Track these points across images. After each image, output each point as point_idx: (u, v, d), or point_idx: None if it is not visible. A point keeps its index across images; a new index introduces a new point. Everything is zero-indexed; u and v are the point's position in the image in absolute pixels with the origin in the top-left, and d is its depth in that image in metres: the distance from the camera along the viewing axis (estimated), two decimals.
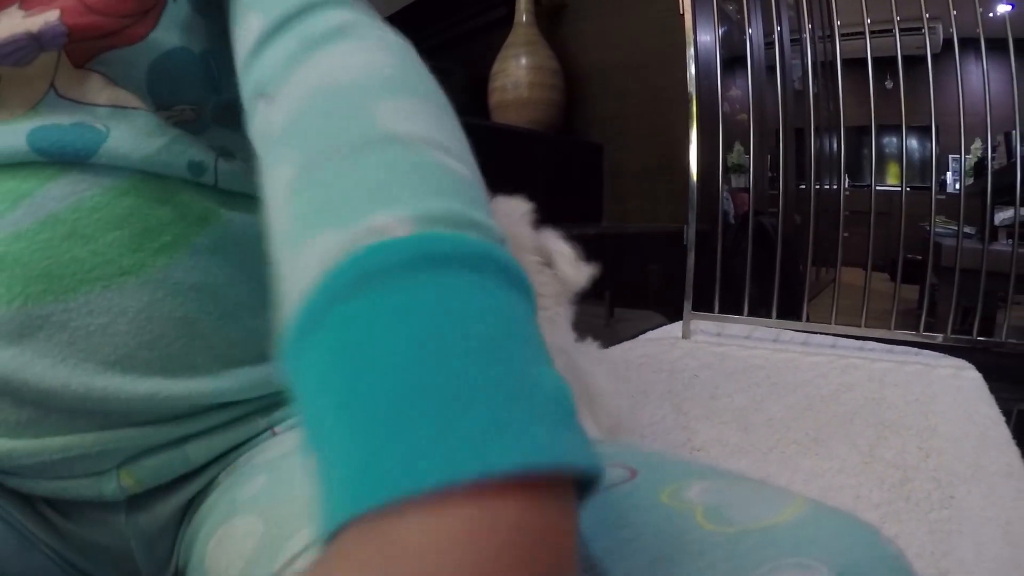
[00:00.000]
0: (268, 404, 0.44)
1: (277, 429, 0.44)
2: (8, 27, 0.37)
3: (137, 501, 0.39)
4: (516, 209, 0.58)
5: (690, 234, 1.66)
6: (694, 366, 1.42)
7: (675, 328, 1.75)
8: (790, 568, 0.24)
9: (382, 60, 0.32)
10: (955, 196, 1.68)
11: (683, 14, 1.62)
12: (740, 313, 1.68)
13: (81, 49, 0.38)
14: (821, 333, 1.65)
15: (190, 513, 0.42)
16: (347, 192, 0.24)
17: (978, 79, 1.51)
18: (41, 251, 0.35)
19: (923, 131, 1.57)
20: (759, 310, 1.68)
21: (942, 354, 1.56)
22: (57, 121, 0.37)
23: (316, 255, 0.21)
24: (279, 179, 0.27)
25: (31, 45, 0.37)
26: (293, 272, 0.23)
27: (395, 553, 0.15)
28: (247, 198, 0.43)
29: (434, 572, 0.15)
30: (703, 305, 1.72)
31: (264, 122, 0.31)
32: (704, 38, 1.89)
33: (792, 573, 0.24)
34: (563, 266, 0.57)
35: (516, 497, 0.16)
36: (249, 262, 0.42)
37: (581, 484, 0.19)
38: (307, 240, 0.22)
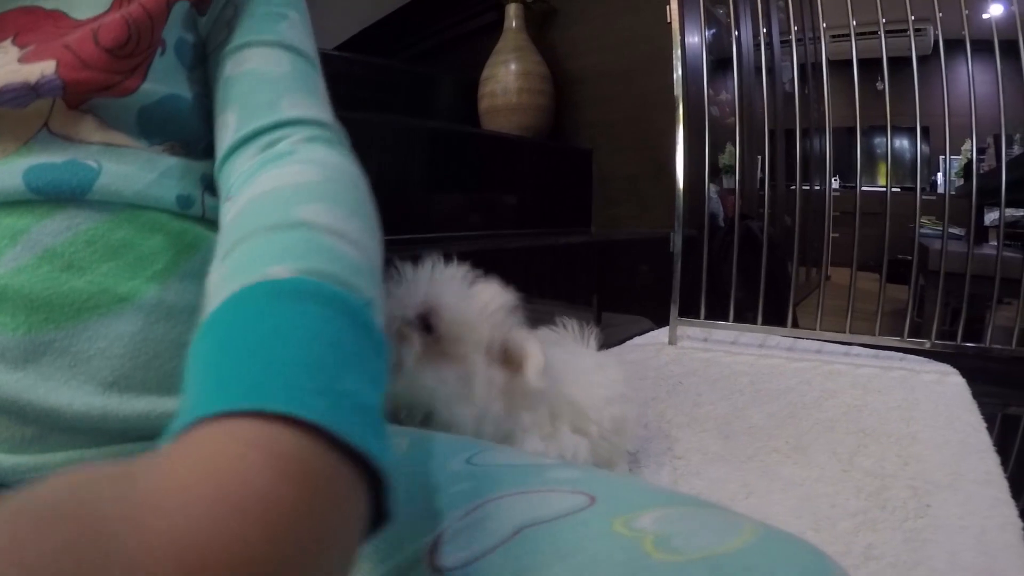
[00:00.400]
0: None
1: None
2: (5, 73, 0.40)
3: None
4: (494, 303, 0.60)
5: (676, 241, 1.67)
6: (679, 372, 1.42)
7: (662, 334, 1.75)
8: None
9: (314, 178, 0.39)
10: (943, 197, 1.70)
11: (671, 22, 1.62)
12: (728, 318, 1.69)
13: (76, 96, 0.42)
14: (806, 339, 1.66)
15: None
16: (258, 256, 0.30)
17: (965, 81, 1.51)
18: (41, 283, 0.38)
19: (914, 132, 1.59)
20: (748, 315, 1.68)
21: (927, 359, 1.57)
22: (51, 159, 0.40)
23: (227, 292, 0.27)
24: (217, 254, 0.33)
25: (28, 94, 0.40)
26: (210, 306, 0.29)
27: (209, 444, 0.19)
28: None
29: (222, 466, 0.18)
30: (692, 310, 1.72)
31: (224, 217, 0.39)
32: (693, 41, 1.91)
33: None
34: (530, 373, 0.58)
35: (292, 436, 0.19)
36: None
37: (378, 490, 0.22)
38: (226, 288, 0.28)
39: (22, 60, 0.41)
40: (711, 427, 1.10)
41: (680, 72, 1.64)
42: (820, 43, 1.67)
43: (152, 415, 0.39)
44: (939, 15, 1.52)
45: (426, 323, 0.57)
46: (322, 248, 0.31)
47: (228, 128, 0.45)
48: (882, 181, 3.79)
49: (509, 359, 0.60)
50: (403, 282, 0.60)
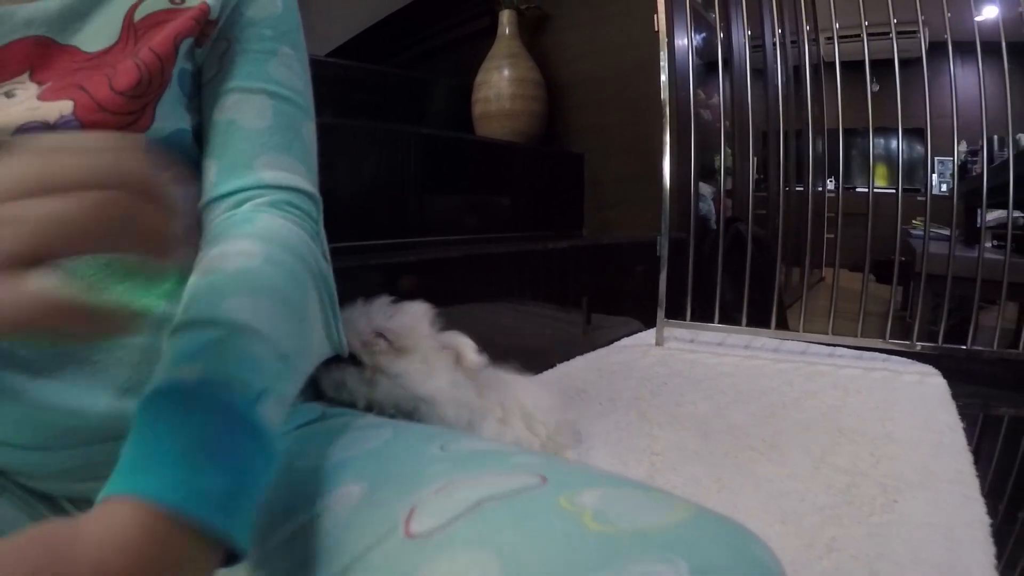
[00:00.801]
0: None
1: None
2: (26, 111, 0.45)
3: None
4: (420, 312, 0.76)
5: (663, 244, 1.70)
6: (664, 373, 1.45)
7: (649, 335, 1.78)
8: (653, 562, 0.29)
9: (253, 264, 0.44)
10: (938, 198, 1.71)
11: (658, 31, 1.65)
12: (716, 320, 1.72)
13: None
14: (791, 340, 1.68)
15: None
16: (180, 354, 0.37)
17: (962, 82, 1.54)
18: None
19: (910, 134, 1.59)
20: (739, 316, 1.71)
21: (910, 360, 1.60)
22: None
23: (154, 384, 0.35)
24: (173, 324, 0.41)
25: (46, 131, 0.45)
26: None
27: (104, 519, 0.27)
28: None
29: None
30: (681, 312, 1.75)
31: (196, 263, 0.47)
32: (682, 46, 1.93)
33: (653, 566, 0.29)
34: (467, 355, 0.76)
35: (150, 514, 0.27)
36: None
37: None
38: (157, 376, 0.36)
39: (41, 98, 0.46)
40: (691, 426, 1.13)
41: (666, 77, 1.67)
42: (805, 45, 1.69)
43: None
44: (922, 18, 1.52)
45: (381, 335, 0.70)
46: (230, 351, 0.37)
47: (208, 178, 0.51)
48: (879, 182, 3.83)
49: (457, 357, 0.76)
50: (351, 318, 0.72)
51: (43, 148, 0.24)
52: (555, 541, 0.32)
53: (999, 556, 0.81)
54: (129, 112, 0.47)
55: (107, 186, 0.24)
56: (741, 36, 2.44)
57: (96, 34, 0.50)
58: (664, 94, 1.69)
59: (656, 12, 1.68)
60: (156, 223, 0.26)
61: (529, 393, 0.88)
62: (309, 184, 0.55)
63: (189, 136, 0.52)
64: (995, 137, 2.54)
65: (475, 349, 0.75)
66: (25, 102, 0.45)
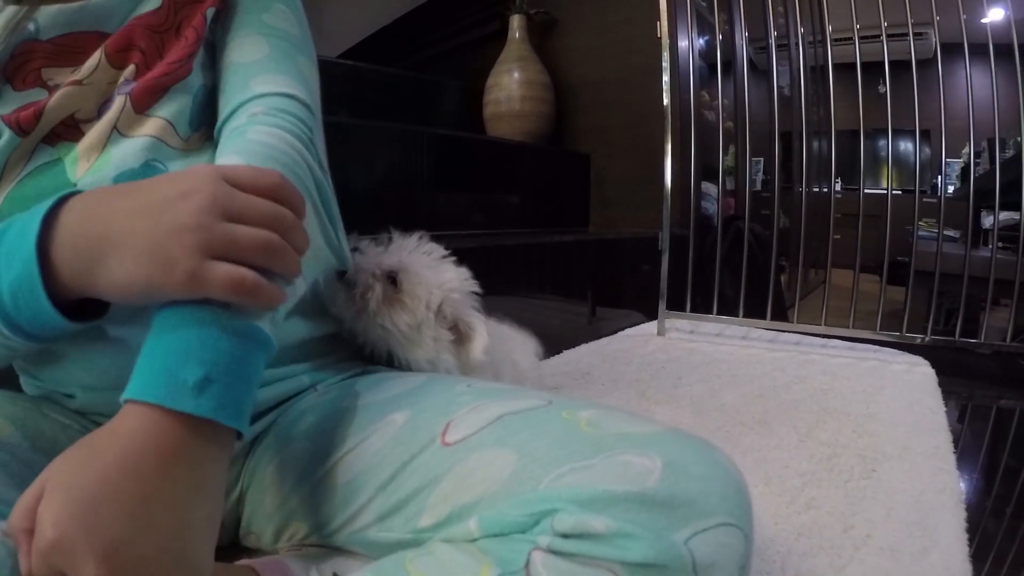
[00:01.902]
0: (310, 368, 0.62)
1: (319, 387, 0.62)
2: (107, 88, 0.55)
3: None
4: (454, 278, 0.73)
5: (664, 238, 1.78)
6: (663, 359, 1.53)
7: (651, 326, 1.86)
8: (634, 455, 0.38)
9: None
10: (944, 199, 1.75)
11: (660, 37, 1.73)
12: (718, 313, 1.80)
13: (143, 99, 0.56)
14: (785, 331, 1.76)
15: (254, 447, 0.60)
16: None
17: (964, 84, 1.57)
18: None
19: (913, 135, 1.62)
20: (739, 310, 1.77)
21: (900, 352, 1.66)
22: (130, 166, 0.53)
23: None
24: None
25: (111, 100, 0.55)
26: None
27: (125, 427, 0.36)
28: None
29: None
30: (682, 305, 1.83)
31: None
32: (685, 49, 2.01)
33: (630, 456, 0.38)
34: (474, 349, 0.72)
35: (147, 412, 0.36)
36: None
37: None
38: None
39: (107, 59, 0.56)
40: (686, 404, 1.21)
41: (668, 79, 1.75)
42: (801, 48, 1.76)
43: None
44: (937, 18, 1.56)
45: (392, 278, 0.70)
46: None
47: (220, 113, 0.58)
48: (885, 183, 3.85)
49: (459, 333, 0.73)
50: (385, 245, 0.73)
51: (236, 181, 0.40)
52: (558, 439, 0.42)
53: (968, 520, 0.87)
54: (176, 71, 0.57)
55: (280, 223, 0.40)
56: (741, 38, 2.51)
57: (143, 8, 0.59)
58: (666, 97, 1.77)
59: (659, 19, 1.76)
60: (300, 245, 0.42)
61: (522, 350, 0.92)
62: (302, 92, 0.59)
63: (209, 93, 0.60)
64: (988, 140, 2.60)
65: (484, 348, 0.71)
66: (96, 63, 0.56)
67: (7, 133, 0.54)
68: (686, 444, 0.41)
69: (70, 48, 0.57)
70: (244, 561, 0.51)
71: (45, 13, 0.57)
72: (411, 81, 2.53)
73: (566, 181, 2.51)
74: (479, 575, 0.37)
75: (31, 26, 0.58)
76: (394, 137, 1.73)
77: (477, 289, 0.75)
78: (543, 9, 2.60)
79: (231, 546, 0.61)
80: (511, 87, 2.49)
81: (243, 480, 0.59)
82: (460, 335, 0.73)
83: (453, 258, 0.75)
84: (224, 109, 0.58)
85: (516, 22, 2.54)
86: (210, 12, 0.59)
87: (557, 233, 2.12)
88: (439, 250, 0.75)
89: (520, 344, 0.94)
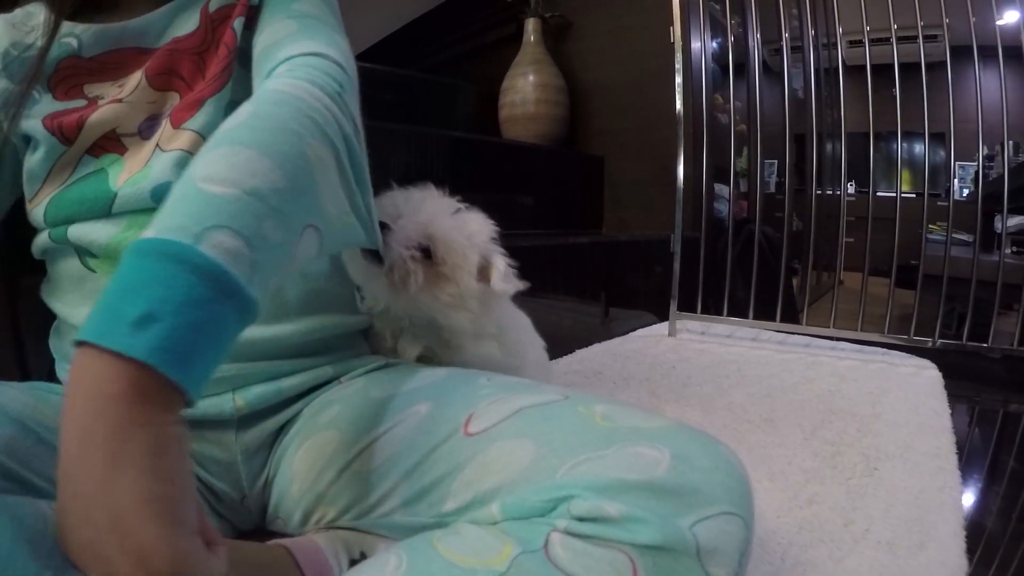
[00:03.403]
0: (334, 360, 0.65)
1: (343, 379, 0.65)
2: (145, 107, 0.57)
3: (245, 423, 0.60)
4: (480, 229, 0.71)
5: (676, 240, 1.81)
6: (674, 359, 1.57)
7: (663, 327, 1.90)
8: (645, 447, 0.42)
9: (239, 119, 0.46)
10: (958, 203, 1.74)
11: (673, 42, 1.76)
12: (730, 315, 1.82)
13: (181, 111, 0.59)
14: (795, 333, 1.78)
15: (280, 436, 0.63)
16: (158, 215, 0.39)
17: (983, 86, 1.56)
18: None
19: (932, 138, 1.60)
20: (749, 312, 1.80)
21: (908, 355, 1.69)
22: (168, 179, 0.56)
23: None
24: None
25: (156, 124, 0.59)
26: None
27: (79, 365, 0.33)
28: None
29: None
30: (694, 307, 1.87)
31: None
32: (698, 53, 2.04)
33: (641, 448, 0.42)
34: (495, 278, 0.70)
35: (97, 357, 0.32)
36: None
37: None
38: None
39: (148, 81, 0.59)
40: (695, 403, 1.25)
41: (680, 80, 1.78)
42: (810, 50, 1.78)
43: (256, 338, 0.58)
44: (946, 21, 1.58)
45: (425, 251, 0.67)
46: (184, 196, 0.39)
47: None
48: (901, 186, 3.84)
49: (482, 272, 0.71)
50: (402, 213, 0.69)
51: None
52: (574, 431, 0.46)
53: (967, 518, 0.90)
54: (211, 85, 0.59)
55: None
56: (754, 41, 2.53)
57: (180, 28, 0.63)
58: (678, 102, 1.80)
59: (672, 24, 1.79)
60: None
61: (529, 339, 0.88)
62: (334, 53, 0.57)
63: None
64: (1010, 143, 2.59)
65: (503, 274, 0.70)
66: (136, 84, 0.59)
67: (51, 140, 0.58)
68: (693, 438, 0.45)
69: (111, 64, 0.62)
70: (276, 541, 0.54)
71: (87, 32, 0.62)
72: (426, 83, 2.57)
73: (580, 183, 2.54)
74: (503, 552, 0.40)
75: (74, 43, 0.62)
76: (410, 139, 1.77)
77: (495, 230, 0.74)
78: (558, 13, 2.63)
79: (256, 531, 0.64)
80: (526, 90, 2.53)
81: (270, 468, 0.62)
82: (483, 272, 0.71)
83: (463, 204, 0.73)
84: (256, 87, 0.58)
85: (531, 26, 2.58)
86: (239, 22, 0.62)
87: (571, 235, 2.15)
88: (450, 200, 0.72)
89: (531, 338, 0.94)
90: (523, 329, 0.86)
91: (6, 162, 0.63)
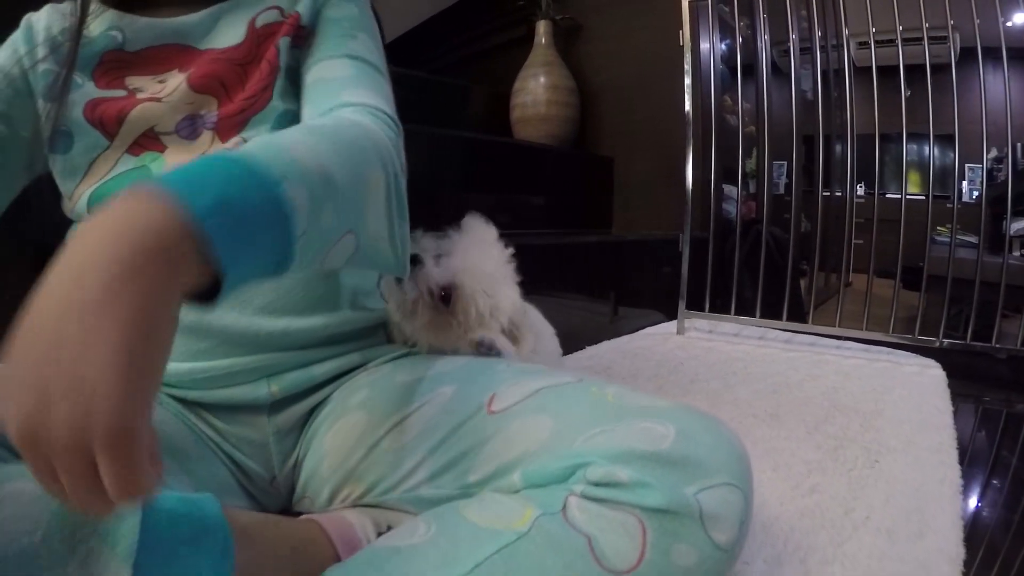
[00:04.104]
0: (363, 347, 0.70)
1: (370, 365, 0.69)
2: (179, 95, 0.60)
3: (277, 406, 0.64)
4: (513, 298, 0.72)
5: (685, 239, 1.84)
6: (681, 357, 1.60)
7: (671, 325, 1.93)
8: (652, 423, 0.46)
9: (320, 123, 0.54)
10: (967, 205, 1.75)
11: (683, 44, 1.80)
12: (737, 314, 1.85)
13: (228, 127, 0.62)
14: (802, 332, 1.81)
15: (311, 418, 0.67)
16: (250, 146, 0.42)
17: (993, 88, 1.58)
18: None
19: (940, 140, 1.61)
20: (763, 311, 1.83)
21: (914, 354, 1.71)
22: None
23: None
24: None
25: (197, 125, 0.63)
26: None
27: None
28: None
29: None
30: (702, 305, 1.90)
31: None
32: (707, 55, 2.07)
33: (649, 424, 0.46)
34: (522, 347, 0.71)
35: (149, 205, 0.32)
36: None
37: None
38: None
39: (190, 84, 0.63)
40: (701, 398, 1.28)
41: (689, 81, 1.80)
42: (818, 51, 1.79)
43: (290, 329, 0.62)
44: (950, 23, 1.55)
45: (444, 296, 0.69)
46: (272, 148, 0.42)
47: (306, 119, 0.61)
48: (909, 188, 3.84)
49: (511, 336, 0.73)
50: (443, 252, 0.72)
51: None
52: (588, 408, 0.51)
53: (965, 510, 0.92)
54: (254, 104, 0.63)
55: None
56: (762, 43, 2.55)
57: (225, 35, 0.66)
58: (687, 103, 1.83)
59: (681, 27, 1.83)
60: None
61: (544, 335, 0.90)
62: (390, 110, 0.62)
63: (296, 116, 0.65)
64: (1019, 145, 2.59)
65: (531, 349, 0.72)
66: (177, 87, 0.62)
67: (93, 133, 0.62)
68: (697, 417, 0.49)
69: (153, 59, 0.65)
70: (307, 516, 0.58)
71: (131, 26, 0.65)
72: (439, 85, 2.61)
73: (590, 183, 2.58)
74: (524, 514, 0.44)
75: (119, 36, 0.66)
76: (422, 139, 1.80)
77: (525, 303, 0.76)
78: (569, 15, 2.67)
79: (284, 512, 0.67)
80: (537, 91, 2.56)
81: (300, 448, 0.66)
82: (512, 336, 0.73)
83: (513, 261, 0.74)
84: (311, 115, 0.61)
85: (542, 28, 2.62)
86: (284, 42, 0.65)
87: (581, 234, 2.18)
88: (501, 255, 0.74)
89: (544, 331, 0.95)
90: (536, 320, 0.89)
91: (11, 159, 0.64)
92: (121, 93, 0.64)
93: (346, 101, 0.59)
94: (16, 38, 0.66)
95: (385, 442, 0.58)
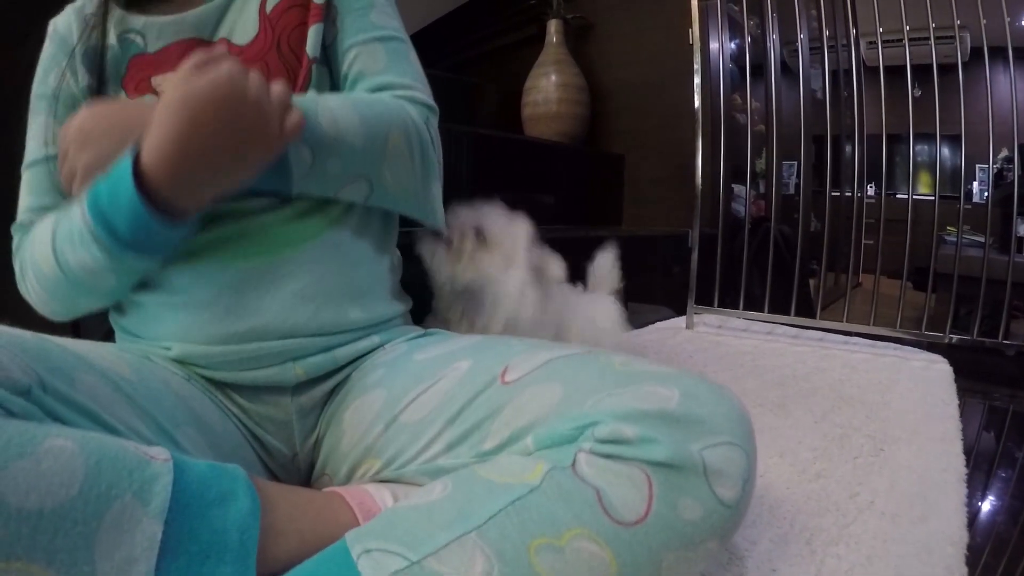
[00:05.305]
0: (381, 328, 0.73)
1: (387, 346, 0.72)
2: None
3: (300, 387, 0.67)
4: (522, 227, 0.93)
5: (694, 236, 1.86)
6: (690, 350, 1.62)
7: (681, 320, 1.95)
8: (657, 386, 0.48)
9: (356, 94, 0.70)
10: (977, 205, 1.74)
11: (692, 43, 1.82)
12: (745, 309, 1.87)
13: None
14: (810, 328, 1.83)
15: (332, 396, 0.70)
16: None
17: (1004, 88, 1.58)
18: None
19: (951, 140, 1.60)
20: (771, 307, 1.84)
21: (921, 350, 1.72)
22: None
23: None
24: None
25: None
26: None
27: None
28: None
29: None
30: (711, 301, 1.92)
31: None
32: (717, 54, 2.09)
33: (655, 387, 0.48)
34: (551, 268, 0.94)
35: None
36: (364, 240, 0.70)
37: None
38: None
39: None
40: None
41: (699, 80, 1.82)
42: (827, 51, 1.80)
43: (319, 317, 0.66)
44: (958, 22, 1.58)
45: (478, 233, 0.89)
46: (319, 107, 0.61)
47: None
48: (921, 188, 3.81)
49: (539, 270, 0.94)
50: (463, 212, 0.90)
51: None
52: (596, 373, 0.53)
53: (969, 496, 0.94)
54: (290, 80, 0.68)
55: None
56: (771, 42, 2.56)
57: (240, 27, 0.69)
58: (697, 101, 1.85)
59: (691, 26, 1.85)
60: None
61: (601, 310, 1.11)
62: (422, 94, 0.74)
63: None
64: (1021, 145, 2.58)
65: (560, 266, 0.93)
66: None
67: None
68: (700, 382, 0.51)
69: (175, 56, 0.67)
70: (328, 488, 0.59)
71: (149, 27, 0.67)
72: (451, 83, 2.64)
73: (600, 180, 2.60)
74: (535, 469, 0.46)
75: (139, 40, 0.68)
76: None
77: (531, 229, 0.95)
78: (579, 14, 2.69)
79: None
80: (548, 89, 2.59)
81: (320, 427, 0.68)
82: (540, 271, 0.93)
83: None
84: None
85: (553, 27, 2.64)
86: (316, 31, 0.68)
87: (591, 230, 2.21)
88: (502, 208, 0.94)
89: (601, 305, 1.15)
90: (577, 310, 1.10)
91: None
92: (151, 99, 0.66)
93: (382, 84, 0.71)
94: (54, 54, 0.69)
95: (403, 416, 0.60)
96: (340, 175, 0.63)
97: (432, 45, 3.20)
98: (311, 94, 0.65)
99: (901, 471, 0.97)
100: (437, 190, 0.75)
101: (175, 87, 0.51)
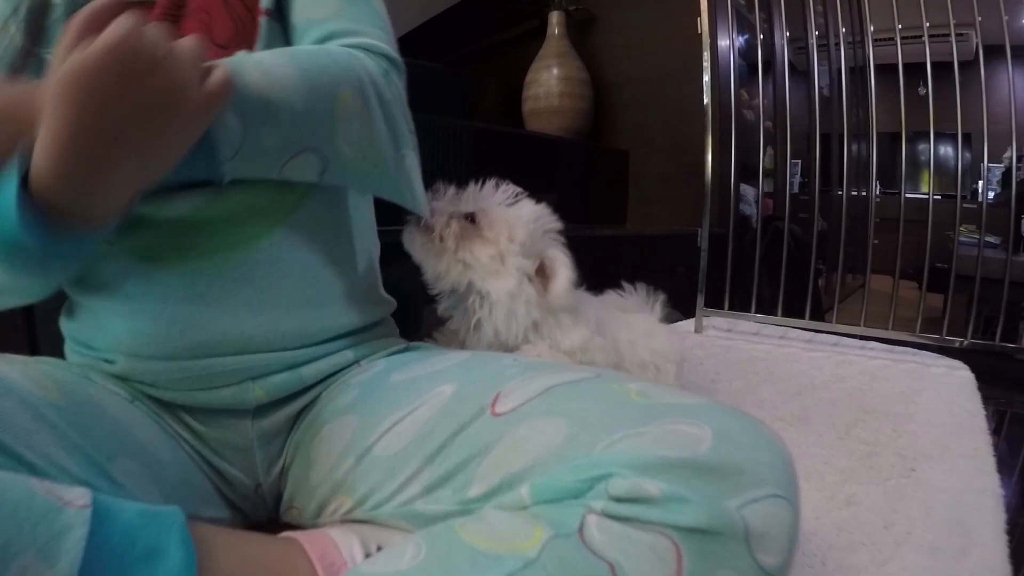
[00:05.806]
0: (355, 341, 0.61)
1: (363, 363, 0.62)
2: None
3: (261, 410, 0.58)
4: (533, 212, 0.75)
5: (703, 236, 1.79)
6: (701, 355, 1.55)
7: (689, 323, 1.88)
8: (684, 424, 0.40)
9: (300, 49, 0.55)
10: (991, 206, 1.69)
11: (700, 32, 1.74)
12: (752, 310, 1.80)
13: None
14: (823, 332, 1.76)
15: (298, 422, 0.60)
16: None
17: (1017, 87, 1.51)
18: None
19: (955, 139, 1.56)
20: (776, 309, 1.78)
21: (940, 355, 1.65)
22: None
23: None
24: None
25: None
26: None
27: None
28: (319, 189, 0.59)
29: None
30: (720, 303, 1.85)
31: None
32: (725, 49, 2.01)
33: (683, 426, 0.40)
34: (556, 287, 0.72)
35: None
36: (327, 236, 0.60)
37: None
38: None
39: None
40: (724, 399, 1.22)
41: (708, 78, 1.75)
42: (841, 48, 1.74)
43: (276, 328, 0.58)
44: (978, 19, 1.53)
45: (469, 218, 0.72)
46: (247, 64, 0.48)
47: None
48: (924, 188, 3.78)
49: (544, 271, 0.75)
50: (460, 193, 0.75)
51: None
52: (608, 407, 0.43)
53: (1009, 522, 0.87)
54: (238, 47, 0.56)
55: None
56: (782, 38, 2.49)
57: None
58: (706, 97, 1.78)
59: (699, 15, 1.77)
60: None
61: (634, 343, 0.88)
62: (382, 42, 0.60)
63: None
64: None
65: (565, 287, 0.72)
66: None
67: None
68: (732, 415, 0.42)
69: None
70: (287, 533, 0.51)
71: None
72: (451, 77, 2.56)
73: (604, 177, 2.52)
74: (533, 536, 0.37)
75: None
76: (435, 131, 1.76)
77: (557, 224, 0.78)
78: (582, 6, 2.61)
79: (270, 522, 0.62)
80: (550, 83, 2.51)
81: (286, 454, 0.60)
82: (544, 273, 0.74)
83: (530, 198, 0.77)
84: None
85: (555, 19, 2.56)
86: None
87: (594, 228, 2.13)
88: (514, 189, 0.77)
89: (654, 328, 0.97)
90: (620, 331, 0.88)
91: None
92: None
93: (333, 31, 0.59)
94: (2, 7, 0.60)
95: (376, 449, 0.52)
96: (280, 147, 0.49)
97: (433, 39, 3.15)
98: (240, 53, 0.51)
99: (936, 494, 0.91)
100: (413, 162, 0.62)
101: (57, 62, 0.39)
